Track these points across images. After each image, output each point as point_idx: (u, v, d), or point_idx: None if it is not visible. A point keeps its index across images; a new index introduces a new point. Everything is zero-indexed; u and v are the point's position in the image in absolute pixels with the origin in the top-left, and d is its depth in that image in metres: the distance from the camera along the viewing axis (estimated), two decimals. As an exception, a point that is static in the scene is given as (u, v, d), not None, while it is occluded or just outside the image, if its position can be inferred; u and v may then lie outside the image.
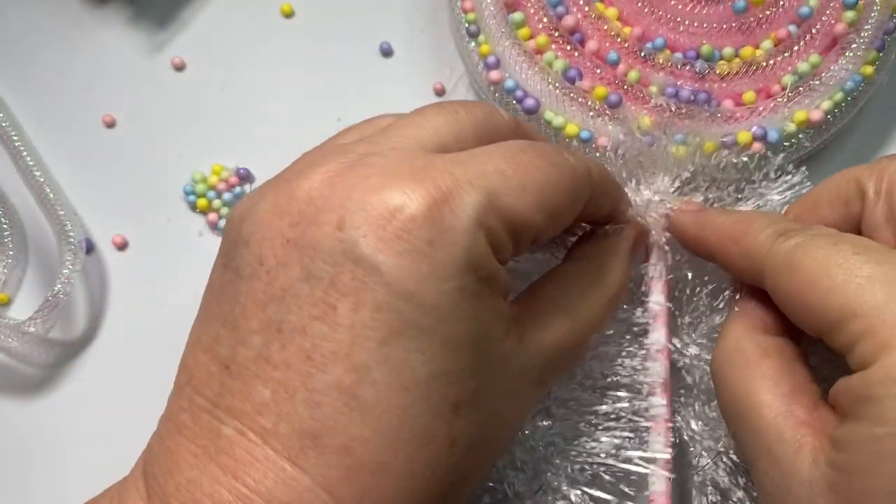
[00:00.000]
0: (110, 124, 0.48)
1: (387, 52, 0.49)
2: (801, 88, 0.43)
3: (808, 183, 0.41)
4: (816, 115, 0.42)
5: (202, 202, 0.47)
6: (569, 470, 0.39)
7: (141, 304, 0.46)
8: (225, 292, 0.32)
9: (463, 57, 0.46)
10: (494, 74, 0.44)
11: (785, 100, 0.42)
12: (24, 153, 0.47)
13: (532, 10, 0.45)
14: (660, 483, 0.37)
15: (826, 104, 0.42)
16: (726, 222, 0.37)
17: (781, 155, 0.42)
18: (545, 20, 0.44)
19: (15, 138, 0.47)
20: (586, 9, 0.44)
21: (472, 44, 0.45)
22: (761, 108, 0.42)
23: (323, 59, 0.49)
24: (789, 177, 0.41)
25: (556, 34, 0.44)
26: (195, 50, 0.50)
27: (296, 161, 0.34)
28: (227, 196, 0.47)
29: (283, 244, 0.31)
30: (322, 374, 0.30)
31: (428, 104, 0.36)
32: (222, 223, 0.46)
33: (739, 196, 0.41)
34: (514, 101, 0.43)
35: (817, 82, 0.43)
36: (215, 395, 0.31)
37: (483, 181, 0.31)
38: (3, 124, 0.47)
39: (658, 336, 0.39)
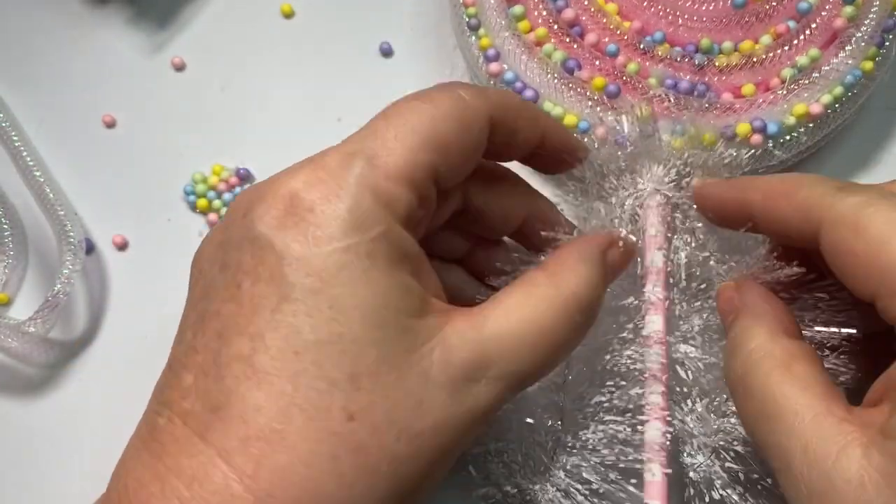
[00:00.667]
0: (110, 124, 0.49)
1: (387, 52, 0.49)
2: (800, 82, 0.43)
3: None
4: (816, 109, 0.42)
5: (202, 202, 0.47)
6: (566, 465, 0.39)
7: (141, 304, 0.46)
8: (190, 303, 0.34)
9: (463, 51, 0.46)
10: (494, 66, 0.44)
11: (784, 92, 0.42)
12: (24, 153, 0.47)
13: (532, 4, 0.45)
14: (656, 476, 0.37)
15: (826, 98, 0.42)
16: (774, 179, 0.36)
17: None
18: (545, 13, 0.45)
19: (15, 138, 0.47)
20: (586, 2, 0.44)
21: (473, 37, 0.45)
22: (761, 101, 0.42)
23: (323, 59, 0.49)
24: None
25: (556, 27, 0.44)
26: (195, 50, 0.50)
27: None
28: (227, 196, 0.47)
29: (214, 249, 0.33)
30: (227, 348, 0.31)
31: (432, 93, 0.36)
32: (222, 223, 0.47)
33: None
34: (515, 93, 0.43)
35: (817, 76, 0.43)
36: (159, 392, 0.33)
37: (360, 146, 0.33)
38: (3, 124, 0.47)
39: (655, 326, 0.39)
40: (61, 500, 0.44)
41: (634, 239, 0.38)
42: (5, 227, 0.46)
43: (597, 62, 0.43)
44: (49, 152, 0.48)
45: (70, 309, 0.46)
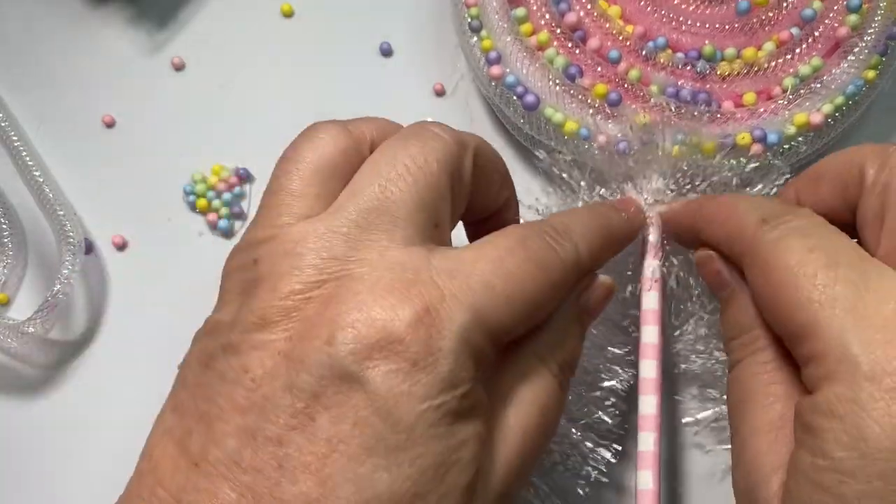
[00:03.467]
0: (110, 124, 0.48)
1: (387, 52, 0.49)
2: (802, 91, 0.42)
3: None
4: (817, 119, 0.42)
5: (202, 202, 0.47)
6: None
7: (141, 304, 0.46)
8: (203, 391, 0.32)
9: (465, 52, 0.46)
10: (496, 70, 0.44)
11: (786, 102, 0.42)
12: (24, 153, 0.47)
13: (535, 7, 0.45)
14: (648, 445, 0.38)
15: (827, 107, 0.42)
16: (714, 203, 0.37)
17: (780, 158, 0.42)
18: (547, 17, 0.44)
19: (14, 138, 0.47)
20: (589, 6, 0.44)
21: (475, 39, 0.45)
22: (762, 110, 0.42)
23: (323, 59, 0.49)
24: (785, 180, 0.41)
25: (559, 31, 0.44)
26: (195, 50, 0.50)
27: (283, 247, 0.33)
28: (226, 196, 0.47)
29: (272, 355, 0.31)
30: (290, 485, 0.29)
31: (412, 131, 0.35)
32: (222, 223, 0.46)
33: None
34: (515, 97, 0.43)
35: (818, 85, 0.42)
36: (179, 489, 0.30)
37: (470, 297, 0.31)
38: (3, 124, 0.47)
39: (650, 337, 0.39)
40: (61, 500, 0.44)
41: (612, 280, 0.38)
42: (4, 227, 0.46)
43: (598, 68, 0.43)
44: (49, 152, 0.48)
45: (70, 309, 0.46)
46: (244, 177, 0.47)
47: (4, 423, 0.45)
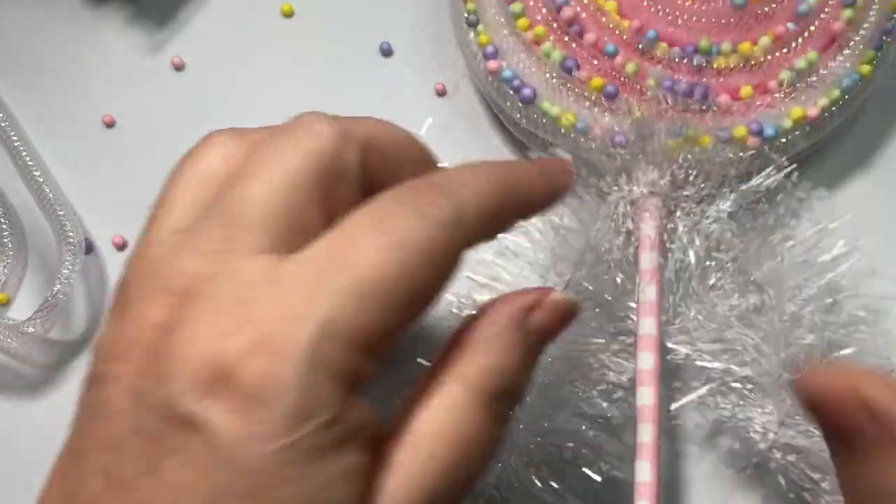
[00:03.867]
0: (110, 124, 0.48)
1: (387, 52, 0.49)
2: (798, 85, 0.42)
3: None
4: (813, 112, 0.42)
5: (202, 202, 0.47)
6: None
7: (140, 304, 0.46)
8: (78, 420, 0.30)
9: (462, 48, 0.46)
10: (492, 64, 0.44)
11: (782, 95, 0.42)
12: (24, 153, 0.47)
13: (531, 1, 0.45)
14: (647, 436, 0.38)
15: (823, 101, 0.42)
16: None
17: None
18: (544, 11, 0.44)
19: (14, 138, 0.47)
20: (585, 1, 0.44)
21: (472, 34, 0.45)
22: (758, 104, 0.42)
23: (323, 59, 0.49)
24: (782, 175, 0.41)
25: (555, 25, 0.44)
26: (195, 50, 0.50)
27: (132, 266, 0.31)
28: (226, 196, 0.47)
29: (124, 391, 0.28)
30: None
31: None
32: (221, 223, 0.46)
33: (732, 192, 0.41)
34: (512, 91, 0.43)
35: (814, 79, 0.43)
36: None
37: (316, 307, 0.27)
38: (3, 124, 0.47)
39: (648, 329, 0.39)
40: (60, 500, 0.44)
41: (571, 298, 0.33)
42: (4, 227, 0.46)
43: (595, 62, 0.43)
44: (48, 152, 0.48)
45: (70, 309, 0.46)
46: (244, 176, 0.47)
47: (4, 423, 0.45)
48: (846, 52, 0.43)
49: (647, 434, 0.38)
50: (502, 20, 0.44)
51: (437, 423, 0.29)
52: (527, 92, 0.43)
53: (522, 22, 0.44)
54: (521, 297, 0.32)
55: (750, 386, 0.40)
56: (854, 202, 0.45)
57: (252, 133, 0.33)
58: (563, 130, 0.43)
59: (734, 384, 0.40)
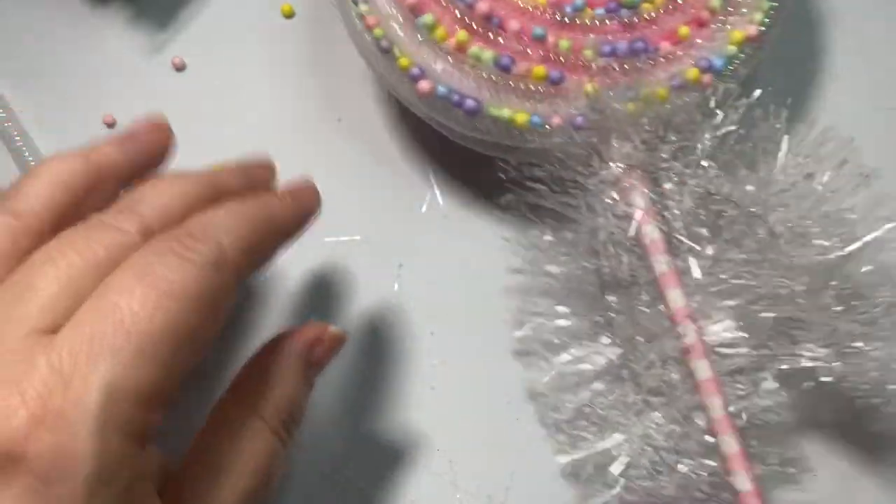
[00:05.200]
0: (110, 124, 0.48)
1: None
2: (730, 9, 0.41)
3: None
4: (753, 31, 0.41)
5: (202, 202, 0.46)
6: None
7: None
8: None
9: (387, 81, 0.43)
10: (423, 85, 0.41)
11: (718, 25, 0.41)
12: (26, 153, 0.47)
13: (440, 9, 0.41)
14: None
15: (758, 16, 0.41)
16: None
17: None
18: (457, 14, 0.41)
19: (16, 138, 0.47)
20: (493, -11, 0.41)
21: (388, 61, 0.42)
22: (698, 41, 0.41)
23: (323, 59, 0.49)
24: (742, 101, 0.40)
25: (474, 25, 0.41)
26: (195, 50, 0.49)
27: None
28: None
29: None
30: None
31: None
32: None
33: (706, 135, 0.40)
34: (454, 107, 0.41)
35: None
36: None
37: (92, 375, 0.26)
38: (5, 124, 0.47)
39: (676, 300, 0.39)
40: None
41: (342, 330, 0.36)
42: (5, 227, 0.47)
43: (528, 51, 0.41)
44: (49, 152, 0.47)
45: (70, 309, 0.46)
46: (244, 176, 0.47)
47: None
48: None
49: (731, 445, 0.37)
50: (417, 37, 0.41)
51: (245, 458, 0.32)
52: (470, 103, 0.40)
53: (440, 32, 0.41)
54: (306, 333, 0.35)
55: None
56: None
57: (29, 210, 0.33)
58: (519, 131, 0.40)
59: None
